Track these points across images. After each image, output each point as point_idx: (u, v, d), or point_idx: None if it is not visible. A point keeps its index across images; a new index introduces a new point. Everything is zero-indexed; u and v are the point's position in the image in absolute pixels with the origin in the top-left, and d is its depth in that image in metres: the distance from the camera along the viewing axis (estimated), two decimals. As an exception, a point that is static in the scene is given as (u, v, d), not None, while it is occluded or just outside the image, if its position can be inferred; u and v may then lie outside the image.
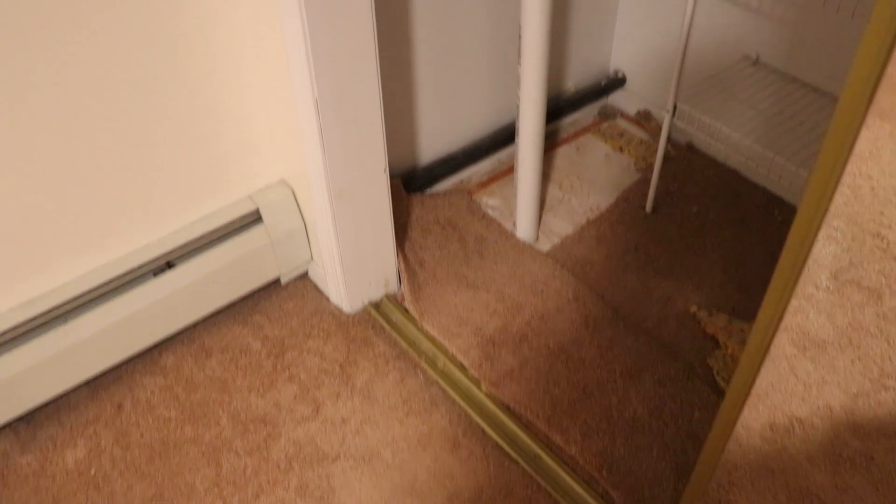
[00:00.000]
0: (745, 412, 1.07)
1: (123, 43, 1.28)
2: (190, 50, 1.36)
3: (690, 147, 2.11)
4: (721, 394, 1.52)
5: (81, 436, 1.47)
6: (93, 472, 1.42)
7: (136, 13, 1.26)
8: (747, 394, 1.02)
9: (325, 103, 1.32)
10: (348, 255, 1.58)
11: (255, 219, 1.59)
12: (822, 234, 0.83)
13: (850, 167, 0.76)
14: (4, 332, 1.37)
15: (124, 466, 1.43)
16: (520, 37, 1.53)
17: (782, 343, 0.94)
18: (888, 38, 0.64)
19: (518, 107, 1.63)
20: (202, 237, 1.55)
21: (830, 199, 0.77)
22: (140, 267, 1.49)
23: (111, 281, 1.46)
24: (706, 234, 1.87)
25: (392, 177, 1.87)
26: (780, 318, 0.92)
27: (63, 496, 1.38)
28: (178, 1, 1.30)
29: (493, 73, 1.94)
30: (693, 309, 1.69)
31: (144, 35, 1.29)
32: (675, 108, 1.73)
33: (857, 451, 0.94)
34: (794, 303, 0.93)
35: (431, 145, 1.94)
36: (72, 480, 1.41)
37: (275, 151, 1.57)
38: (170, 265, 1.53)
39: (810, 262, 0.87)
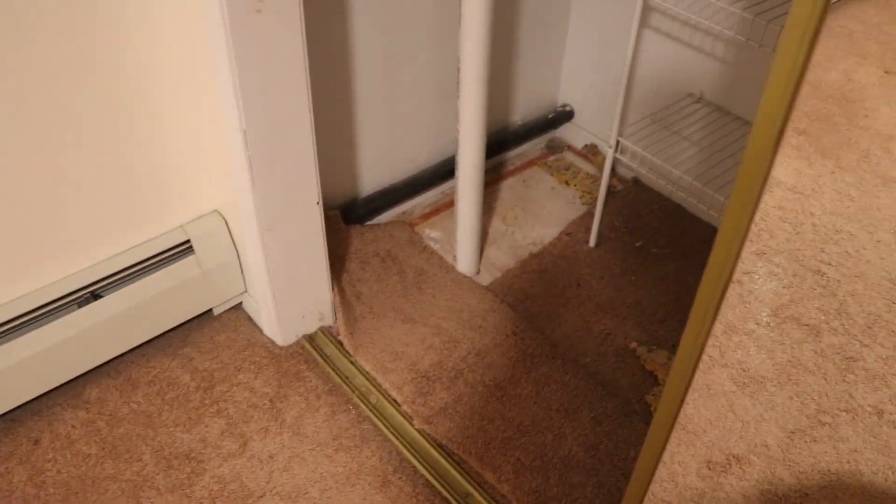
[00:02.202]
0: (682, 449, 1.05)
1: (46, 68, 1.24)
2: (117, 74, 1.33)
3: (636, 182, 2.11)
4: (656, 432, 1.51)
5: (-5, 473, 1.41)
6: (4, 511, 1.36)
7: (58, 40, 1.23)
8: (671, 427, 1.01)
9: (253, 136, 1.29)
10: (280, 288, 1.54)
11: (186, 249, 1.56)
12: (763, 271, 0.83)
13: (793, 204, 0.76)
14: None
15: (38, 505, 1.37)
16: (458, 70, 1.52)
17: (722, 380, 0.94)
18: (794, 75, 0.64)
19: (458, 140, 1.62)
20: (130, 267, 1.51)
21: (748, 225, 0.77)
22: (63, 297, 1.44)
23: (32, 311, 1.41)
24: (649, 269, 1.86)
25: (330, 208, 1.84)
26: (702, 348, 0.92)
27: (-30, 537, 1.33)
28: (102, 24, 1.26)
29: (436, 104, 1.93)
30: (633, 345, 1.68)
31: (67, 60, 1.26)
32: (617, 143, 1.72)
33: (792, 489, 0.93)
34: (735, 339, 0.92)
35: (373, 176, 1.91)
36: (-19, 520, 1.35)
37: (207, 182, 1.54)
38: (95, 296, 1.48)
39: (751, 298, 0.87)
